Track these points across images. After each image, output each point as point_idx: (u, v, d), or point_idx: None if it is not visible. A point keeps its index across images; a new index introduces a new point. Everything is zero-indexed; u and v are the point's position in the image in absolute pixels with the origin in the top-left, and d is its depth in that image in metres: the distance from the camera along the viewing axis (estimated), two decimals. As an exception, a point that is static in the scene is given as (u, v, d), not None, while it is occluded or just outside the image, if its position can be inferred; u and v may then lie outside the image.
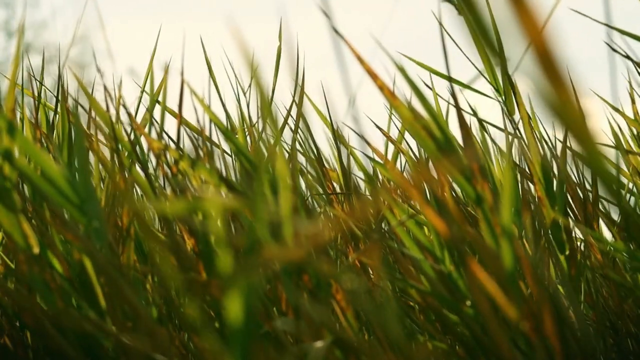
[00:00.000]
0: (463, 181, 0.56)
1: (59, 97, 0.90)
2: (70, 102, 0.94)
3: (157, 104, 1.00)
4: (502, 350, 0.63)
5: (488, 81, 0.98)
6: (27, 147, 0.55)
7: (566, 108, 0.27)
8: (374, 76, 0.54)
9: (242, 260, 0.48)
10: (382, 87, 0.54)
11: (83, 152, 0.60)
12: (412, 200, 0.96)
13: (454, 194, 0.86)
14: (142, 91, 1.02)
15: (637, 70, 0.97)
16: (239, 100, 1.19)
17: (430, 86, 1.04)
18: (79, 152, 0.59)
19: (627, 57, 0.93)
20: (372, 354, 0.61)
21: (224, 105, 1.15)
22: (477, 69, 0.96)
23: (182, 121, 1.00)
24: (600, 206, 0.93)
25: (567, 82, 0.28)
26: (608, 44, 0.92)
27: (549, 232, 0.76)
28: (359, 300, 0.68)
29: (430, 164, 0.90)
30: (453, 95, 0.59)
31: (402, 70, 0.56)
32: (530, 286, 0.60)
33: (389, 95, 0.54)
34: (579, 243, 0.87)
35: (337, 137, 1.10)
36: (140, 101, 1.01)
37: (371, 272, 0.87)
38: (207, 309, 0.73)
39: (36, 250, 0.58)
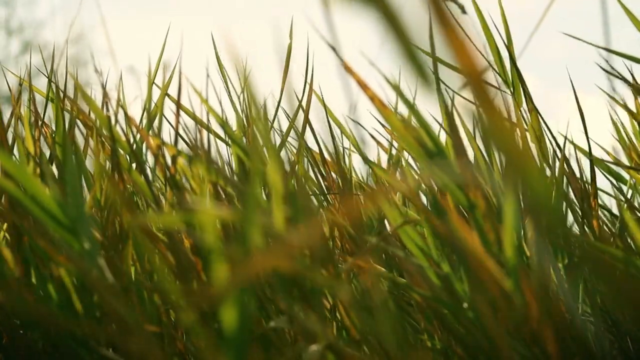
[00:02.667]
0: (455, 189, 0.56)
1: (57, 97, 0.90)
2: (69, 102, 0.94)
3: (156, 103, 1.00)
4: (502, 351, 0.63)
5: (497, 73, 0.96)
6: (14, 170, 0.54)
7: (500, 134, 0.27)
8: (364, 87, 0.54)
9: (237, 269, 0.48)
10: (372, 98, 0.54)
11: (73, 167, 0.60)
12: (411, 203, 0.96)
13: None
14: (149, 91, 1.02)
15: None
16: (247, 96, 1.18)
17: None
18: (69, 167, 0.59)
19: (622, 77, 0.93)
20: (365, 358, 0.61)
21: (235, 104, 1.14)
22: (487, 61, 0.94)
23: (182, 108, 0.99)
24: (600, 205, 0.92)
25: (499, 108, 0.28)
26: (602, 68, 0.92)
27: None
28: (355, 303, 0.68)
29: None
30: (445, 100, 0.59)
31: (395, 86, 0.55)
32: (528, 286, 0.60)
33: (380, 105, 0.54)
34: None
35: (331, 117, 1.10)
36: (149, 103, 1.01)
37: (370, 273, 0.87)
38: (205, 309, 0.74)
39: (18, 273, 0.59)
